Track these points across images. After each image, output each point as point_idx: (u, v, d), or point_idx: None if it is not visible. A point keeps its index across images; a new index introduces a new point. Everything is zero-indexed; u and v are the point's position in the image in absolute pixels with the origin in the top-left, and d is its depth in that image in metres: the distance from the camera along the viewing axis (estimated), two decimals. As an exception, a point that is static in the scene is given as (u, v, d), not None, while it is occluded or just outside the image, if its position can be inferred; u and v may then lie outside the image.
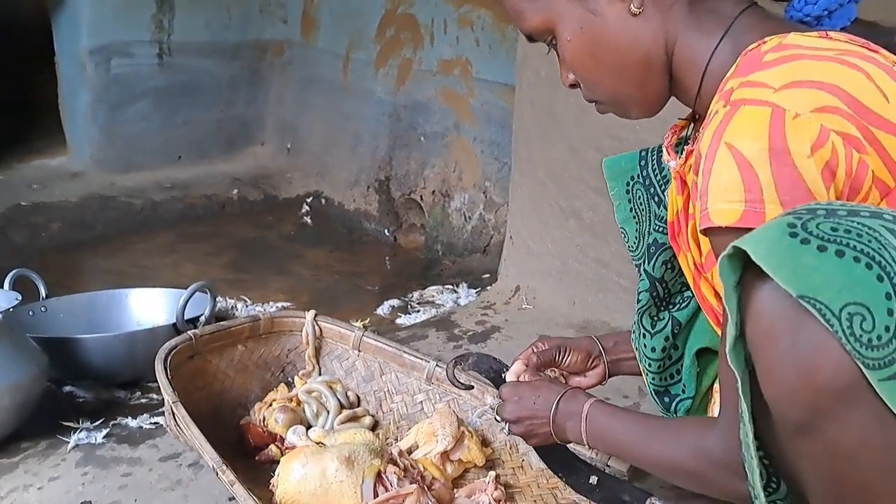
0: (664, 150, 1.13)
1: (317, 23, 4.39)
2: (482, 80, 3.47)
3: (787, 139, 0.78)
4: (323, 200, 4.27)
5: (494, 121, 3.40)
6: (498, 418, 1.24)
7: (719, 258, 0.70)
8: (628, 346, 1.33)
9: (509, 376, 1.30)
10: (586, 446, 1.14)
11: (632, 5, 0.96)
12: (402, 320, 2.68)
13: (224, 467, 1.23)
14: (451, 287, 3.03)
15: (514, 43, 2.93)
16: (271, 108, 4.68)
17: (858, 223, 0.65)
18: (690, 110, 1.11)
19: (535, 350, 1.32)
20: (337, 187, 4.23)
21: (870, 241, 0.63)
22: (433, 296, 2.99)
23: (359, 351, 1.78)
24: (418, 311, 2.79)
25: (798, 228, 0.65)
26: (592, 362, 1.34)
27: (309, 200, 4.29)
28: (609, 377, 1.36)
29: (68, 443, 1.59)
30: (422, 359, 1.69)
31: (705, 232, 0.85)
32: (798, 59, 0.83)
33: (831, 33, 0.88)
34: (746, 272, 0.69)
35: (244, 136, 4.63)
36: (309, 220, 4.14)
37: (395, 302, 2.93)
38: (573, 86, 1.07)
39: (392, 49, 3.93)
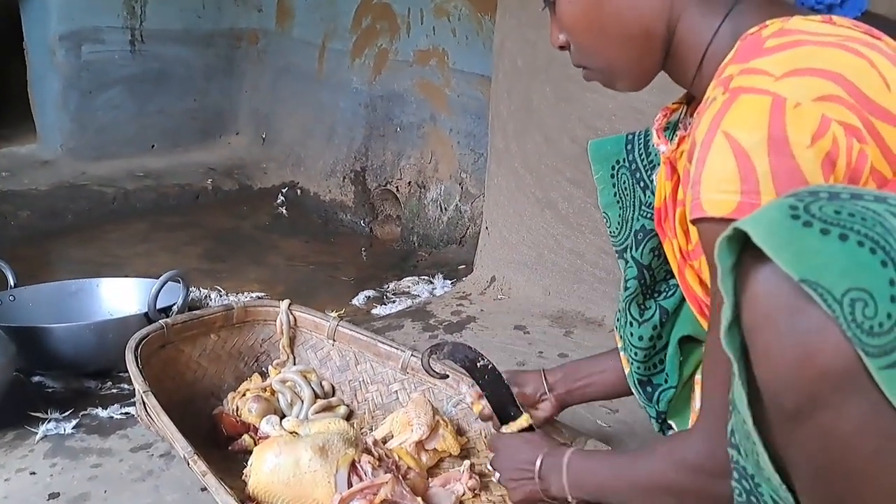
0: (654, 133, 1.11)
1: (292, 12, 4.35)
2: (459, 71, 3.46)
3: (787, 129, 0.76)
4: (298, 191, 4.24)
5: (471, 112, 3.40)
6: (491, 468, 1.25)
7: (718, 239, 0.67)
8: (580, 370, 1.36)
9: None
10: (570, 498, 1.12)
11: None
12: (378, 311, 2.67)
13: (196, 457, 1.21)
14: (426, 278, 3.03)
15: (491, 34, 2.92)
16: (246, 97, 4.63)
17: (863, 207, 0.63)
18: (682, 93, 1.10)
19: None
20: (312, 178, 4.21)
21: (874, 226, 0.61)
22: (409, 287, 2.99)
23: (333, 340, 1.76)
24: (394, 302, 2.79)
25: (800, 210, 0.63)
26: (540, 397, 1.37)
27: (284, 191, 4.26)
28: (563, 409, 1.40)
29: (36, 434, 1.56)
30: (397, 348, 1.68)
31: (695, 221, 0.84)
32: (800, 45, 0.81)
33: (835, 18, 0.86)
34: (744, 255, 0.67)
35: (219, 126, 4.59)
36: (284, 211, 4.11)
37: (370, 293, 2.92)
38: (562, 47, 1.04)
39: (368, 39, 3.91)
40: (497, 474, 1.22)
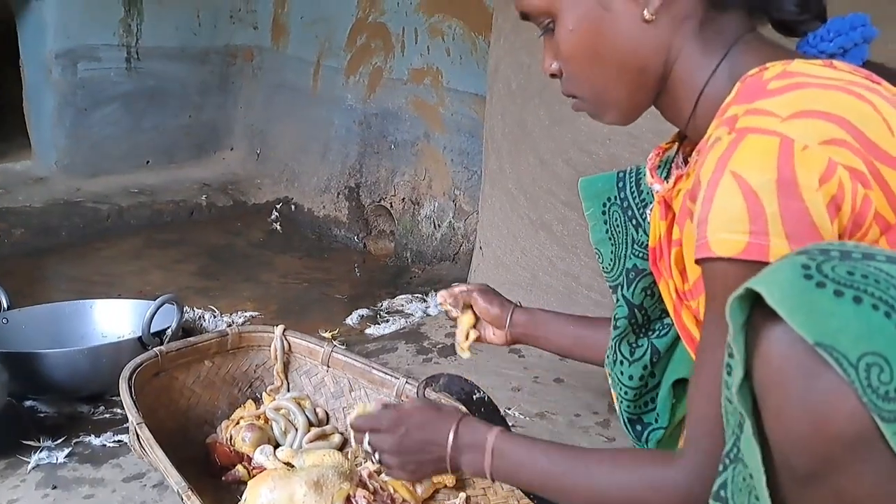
0: (647, 172, 1.10)
1: (287, 29, 4.37)
2: (452, 90, 3.47)
3: (796, 171, 0.76)
4: (292, 207, 4.24)
5: (464, 130, 3.41)
6: (369, 449, 1.14)
7: (729, 299, 0.67)
8: (545, 324, 1.39)
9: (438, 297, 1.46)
10: (489, 479, 1.05)
11: (646, 11, 0.93)
12: (372, 331, 2.67)
13: (189, 493, 1.21)
14: (420, 296, 3.02)
15: (485, 54, 2.93)
16: (241, 114, 4.64)
17: (876, 268, 0.63)
18: (675, 132, 1.10)
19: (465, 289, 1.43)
20: (306, 194, 4.21)
21: (888, 289, 0.61)
22: (402, 305, 2.99)
23: (328, 366, 1.76)
24: (387, 321, 2.78)
25: (813, 271, 0.63)
26: (499, 322, 1.43)
27: (278, 207, 4.26)
28: (512, 344, 1.45)
29: (28, 462, 1.55)
30: (392, 375, 1.68)
31: (701, 261, 0.83)
32: (804, 87, 0.81)
33: (836, 63, 0.86)
34: (755, 313, 0.66)
35: (213, 142, 4.59)
36: (278, 227, 4.11)
37: (364, 311, 2.92)
38: (553, 75, 1.03)
39: (363, 57, 3.92)
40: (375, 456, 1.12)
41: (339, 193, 4.04)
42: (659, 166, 1.11)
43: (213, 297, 2.97)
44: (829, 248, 0.66)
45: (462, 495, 1.39)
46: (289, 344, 1.79)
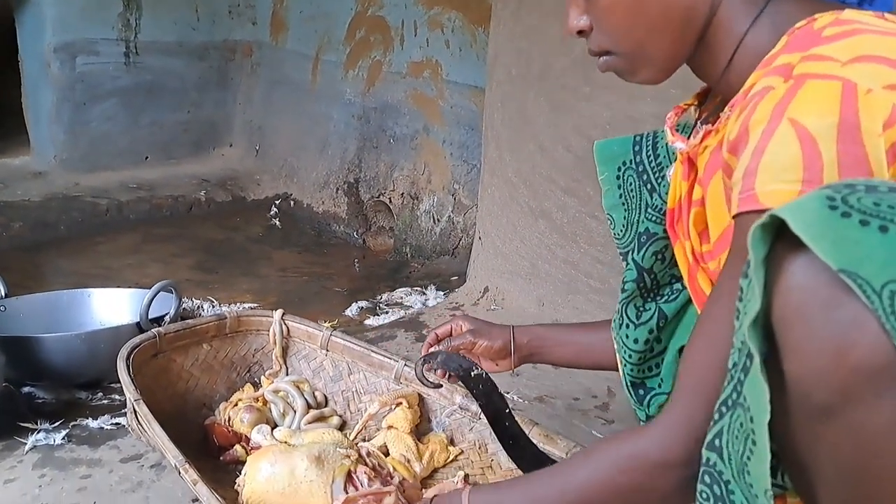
0: (667, 130, 1.08)
1: (286, 24, 4.36)
2: (452, 83, 3.46)
3: (860, 115, 0.73)
4: (291, 202, 4.24)
5: (464, 123, 3.40)
6: None
7: (752, 227, 0.65)
8: (546, 338, 1.34)
9: (425, 346, 1.37)
10: None
11: None
12: (371, 321, 2.66)
13: (187, 466, 1.20)
14: (419, 289, 3.02)
15: (485, 45, 2.93)
16: (240, 109, 4.64)
17: None
18: (696, 92, 1.07)
19: (455, 330, 1.36)
20: (306, 189, 4.21)
21: None
22: (402, 297, 2.98)
23: (327, 350, 1.75)
24: (387, 313, 2.78)
25: (838, 202, 0.62)
26: (503, 354, 1.36)
27: (277, 202, 4.26)
28: (520, 365, 1.38)
29: (25, 444, 1.54)
30: (390, 358, 1.67)
31: (742, 215, 0.79)
32: (861, 33, 0.78)
33: (886, 14, 0.84)
34: (777, 246, 0.65)
35: (212, 138, 4.59)
36: (277, 223, 4.11)
37: (363, 303, 2.91)
38: (580, 32, 0.98)
39: (362, 51, 3.92)
40: None
41: (338, 189, 4.04)
42: (676, 127, 1.09)
43: (212, 289, 2.96)
44: (854, 183, 0.64)
45: (460, 473, 1.38)
46: (287, 328, 1.78)
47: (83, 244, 3.52)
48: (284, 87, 4.39)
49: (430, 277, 3.23)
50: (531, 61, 2.27)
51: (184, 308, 2.29)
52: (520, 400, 1.79)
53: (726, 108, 0.91)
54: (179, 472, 1.22)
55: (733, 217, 0.82)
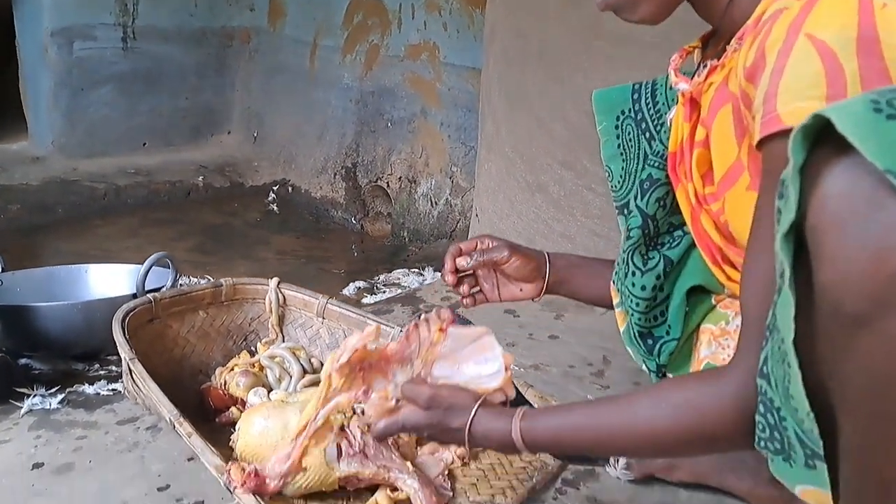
0: (671, 73, 1.08)
1: (284, 10, 4.36)
2: (449, 65, 3.46)
3: (878, 28, 0.73)
4: (289, 188, 4.24)
5: (461, 105, 3.40)
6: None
7: (794, 130, 0.62)
8: (581, 267, 1.31)
9: (447, 259, 1.25)
10: (518, 444, 0.96)
11: None
12: (368, 300, 2.66)
13: (181, 419, 1.20)
14: (416, 270, 3.02)
15: (482, 26, 2.93)
16: (238, 96, 4.64)
17: None
18: (700, 36, 1.07)
19: (481, 245, 1.27)
20: (304, 175, 4.21)
21: None
22: (399, 278, 2.98)
23: (323, 318, 1.75)
24: (384, 292, 2.78)
25: (883, 104, 0.60)
26: (533, 276, 1.29)
27: (275, 189, 4.26)
28: (547, 293, 1.31)
29: (21, 408, 1.54)
30: (387, 325, 1.67)
31: (765, 141, 0.78)
32: None
33: None
34: (816, 153, 0.63)
35: (210, 125, 4.59)
36: (275, 208, 4.11)
37: (361, 283, 2.91)
38: None
39: (359, 35, 3.92)
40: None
41: (335, 174, 4.04)
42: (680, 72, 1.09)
43: (210, 271, 2.96)
44: None
45: (457, 431, 1.38)
46: (283, 296, 1.78)
47: (81, 227, 3.53)
48: (282, 74, 4.39)
49: (428, 260, 3.23)
50: (528, 35, 2.27)
51: (180, 284, 2.29)
52: (515, 368, 1.79)
53: (733, 42, 0.91)
54: (174, 427, 1.22)
55: (757, 147, 0.80)
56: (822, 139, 0.62)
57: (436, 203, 3.53)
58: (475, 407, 0.99)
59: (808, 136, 0.63)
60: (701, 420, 0.83)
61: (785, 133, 0.75)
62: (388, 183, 3.79)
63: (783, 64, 0.76)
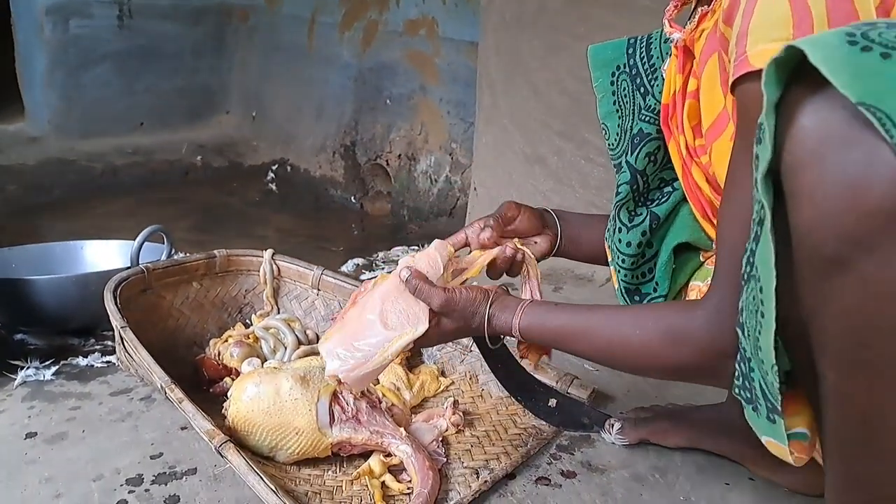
0: (665, 23, 1.06)
1: (281, -13, 4.33)
2: (448, 40, 3.43)
3: None
4: (288, 168, 4.22)
5: (461, 80, 3.38)
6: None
7: (766, 64, 0.61)
8: (582, 230, 1.30)
9: (471, 231, 1.27)
10: (517, 333, 1.05)
11: None
12: (366, 276, 2.65)
13: (173, 386, 1.19)
14: (416, 247, 3.00)
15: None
16: (236, 75, 4.61)
17: None
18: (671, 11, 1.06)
19: (484, 221, 1.28)
20: (302, 154, 4.19)
21: None
22: (398, 255, 2.96)
23: (318, 290, 1.74)
24: (383, 269, 2.76)
25: (857, 37, 0.58)
26: (543, 228, 1.29)
27: (274, 168, 4.24)
28: (555, 254, 1.32)
29: (15, 379, 1.53)
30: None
31: (737, 84, 0.77)
32: None
33: None
34: (789, 91, 0.61)
35: (208, 105, 4.57)
36: (274, 188, 4.09)
37: (359, 260, 2.89)
38: None
39: (358, 11, 3.88)
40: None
41: (334, 153, 4.02)
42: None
43: (207, 248, 2.93)
44: (875, 21, 0.61)
45: (450, 399, 1.37)
46: (278, 268, 1.77)
47: (78, 207, 3.52)
48: (280, 52, 4.36)
49: (428, 238, 3.20)
50: (525, 3, 2.24)
51: (176, 259, 2.28)
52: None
53: None
54: (165, 393, 1.21)
55: (731, 90, 0.79)
56: (799, 76, 0.60)
57: (435, 180, 3.51)
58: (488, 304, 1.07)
59: (782, 71, 0.62)
60: (673, 340, 0.88)
61: (754, 74, 0.74)
62: (387, 161, 3.76)
63: (753, 5, 0.75)
